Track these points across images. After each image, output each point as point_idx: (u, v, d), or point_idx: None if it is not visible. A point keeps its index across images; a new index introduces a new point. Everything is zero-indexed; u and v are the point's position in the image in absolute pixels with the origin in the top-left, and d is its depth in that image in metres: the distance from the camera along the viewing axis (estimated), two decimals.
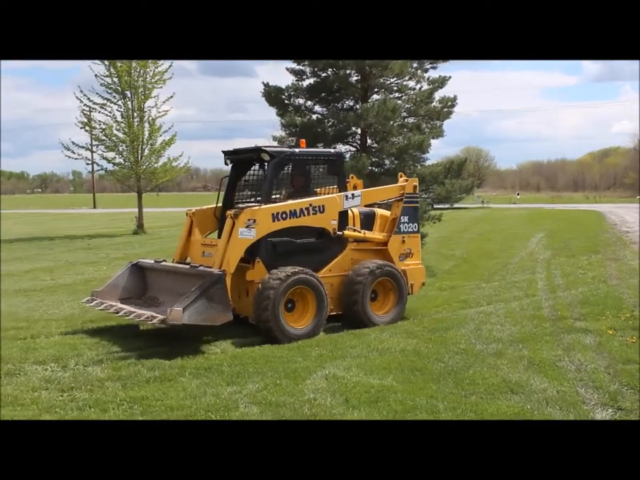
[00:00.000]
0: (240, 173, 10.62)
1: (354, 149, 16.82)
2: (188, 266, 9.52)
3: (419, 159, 16.83)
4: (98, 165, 32.03)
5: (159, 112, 30.36)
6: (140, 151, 30.18)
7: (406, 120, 17.00)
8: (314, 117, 16.91)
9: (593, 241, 22.28)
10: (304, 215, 9.54)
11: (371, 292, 10.04)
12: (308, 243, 9.76)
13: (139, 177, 30.62)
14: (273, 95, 16.77)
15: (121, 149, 30.00)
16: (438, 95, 17.11)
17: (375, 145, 16.43)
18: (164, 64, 29.99)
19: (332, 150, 10.82)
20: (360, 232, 10.40)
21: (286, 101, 16.96)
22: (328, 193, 10.18)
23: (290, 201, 9.62)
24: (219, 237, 9.86)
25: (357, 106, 16.56)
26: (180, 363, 7.85)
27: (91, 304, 9.88)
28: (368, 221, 10.79)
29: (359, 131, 16.58)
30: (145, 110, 30.07)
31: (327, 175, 10.38)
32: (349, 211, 10.35)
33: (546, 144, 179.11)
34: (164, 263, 10.09)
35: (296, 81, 17.08)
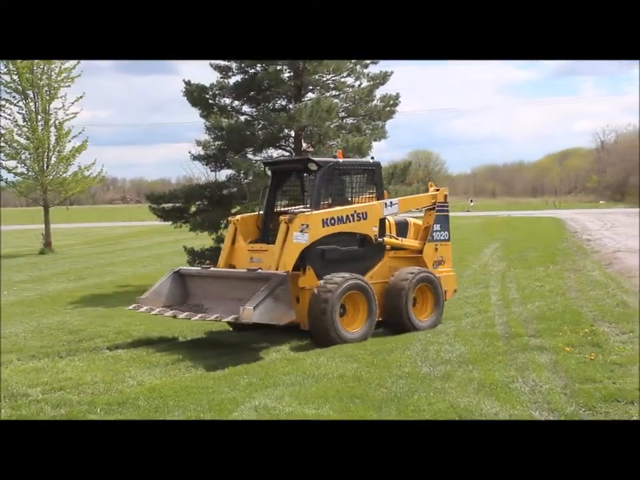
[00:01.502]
0: (280, 182, 12.13)
1: (287, 154, 16.89)
2: (244, 270, 10.61)
3: None
4: None
5: (67, 114, 30.04)
6: (46, 159, 29.70)
7: (344, 121, 17.16)
8: (242, 118, 16.93)
9: (551, 251, 22.87)
10: (349, 222, 11.10)
11: None
12: (352, 251, 11.22)
13: (45, 188, 30.08)
14: (195, 95, 16.73)
15: (23, 156, 29.50)
16: (379, 92, 17.34)
17: (311, 149, 16.52)
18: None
19: (371, 160, 12.14)
20: (398, 239, 11.87)
21: (210, 101, 16.94)
22: (363, 202, 11.60)
23: (337, 207, 11.13)
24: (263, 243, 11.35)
25: (290, 106, 16.64)
26: (89, 399, 7.73)
27: (140, 310, 10.75)
28: (402, 229, 12.26)
29: (292, 133, 16.66)
30: (50, 112, 29.69)
31: (366, 184, 11.91)
32: (386, 220, 11.70)
33: (502, 145, 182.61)
34: (212, 269, 11.32)
35: (221, 78, 17.08)
